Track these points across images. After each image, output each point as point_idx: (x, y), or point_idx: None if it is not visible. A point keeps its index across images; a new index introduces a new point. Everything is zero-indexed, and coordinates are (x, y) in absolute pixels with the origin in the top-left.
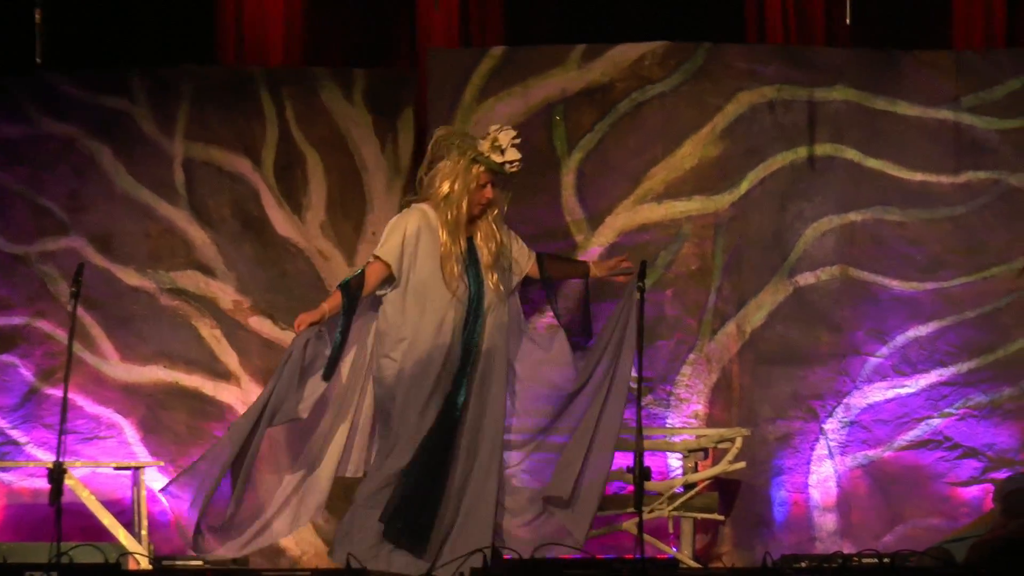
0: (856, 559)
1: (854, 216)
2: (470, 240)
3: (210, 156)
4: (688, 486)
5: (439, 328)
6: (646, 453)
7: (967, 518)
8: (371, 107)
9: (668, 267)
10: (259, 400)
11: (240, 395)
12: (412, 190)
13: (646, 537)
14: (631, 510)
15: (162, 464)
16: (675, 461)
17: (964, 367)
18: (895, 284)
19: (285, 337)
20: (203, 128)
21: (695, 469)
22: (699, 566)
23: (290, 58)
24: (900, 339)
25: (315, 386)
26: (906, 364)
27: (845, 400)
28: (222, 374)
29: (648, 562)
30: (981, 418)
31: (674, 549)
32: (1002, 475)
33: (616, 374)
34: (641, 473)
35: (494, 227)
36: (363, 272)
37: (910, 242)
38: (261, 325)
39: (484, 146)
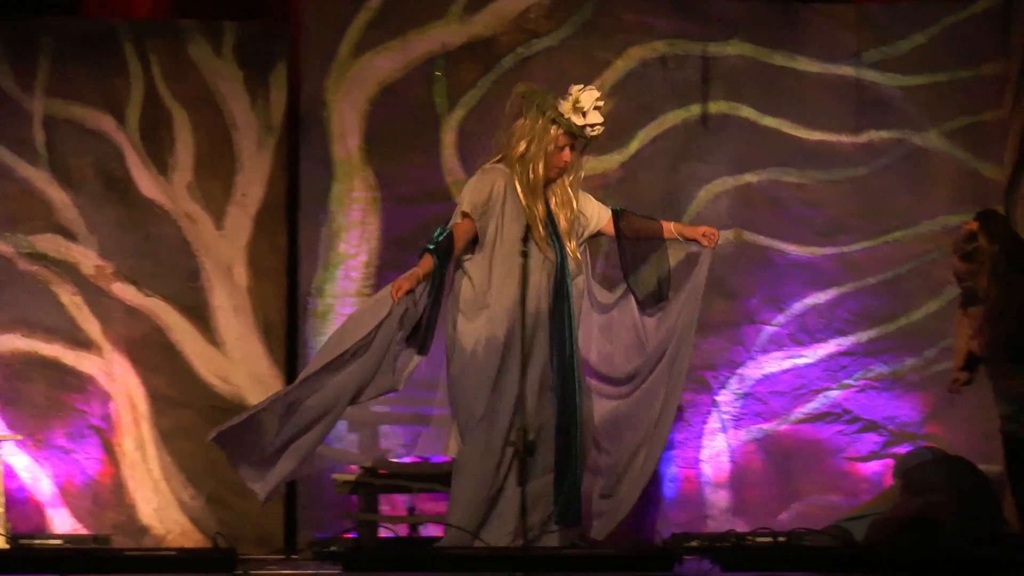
0: (750, 538)
1: (750, 177)
2: (546, 204)
3: (72, 113)
4: None
5: (529, 294)
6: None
7: (867, 495)
8: (242, 62)
9: None
10: (331, 373)
11: (102, 365)
12: (284, 149)
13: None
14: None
15: (20, 438)
16: None
17: (864, 336)
18: (792, 249)
19: (150, 304)
20: (64, 84)
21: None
22: (586, 545)
23: (157, 10)
24: (797, 307)
25: (409, 358)
26: (803, 333)
27: (739, 371)
28: (83, 343)
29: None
30: (882, 390)
31: None
32: (904, 450)
33: (675, 366)
34: (526, 448)
35: (570, 192)
36: (451, 232)
37: (809, 204)
38: (124, 291)
39: (565, 107)
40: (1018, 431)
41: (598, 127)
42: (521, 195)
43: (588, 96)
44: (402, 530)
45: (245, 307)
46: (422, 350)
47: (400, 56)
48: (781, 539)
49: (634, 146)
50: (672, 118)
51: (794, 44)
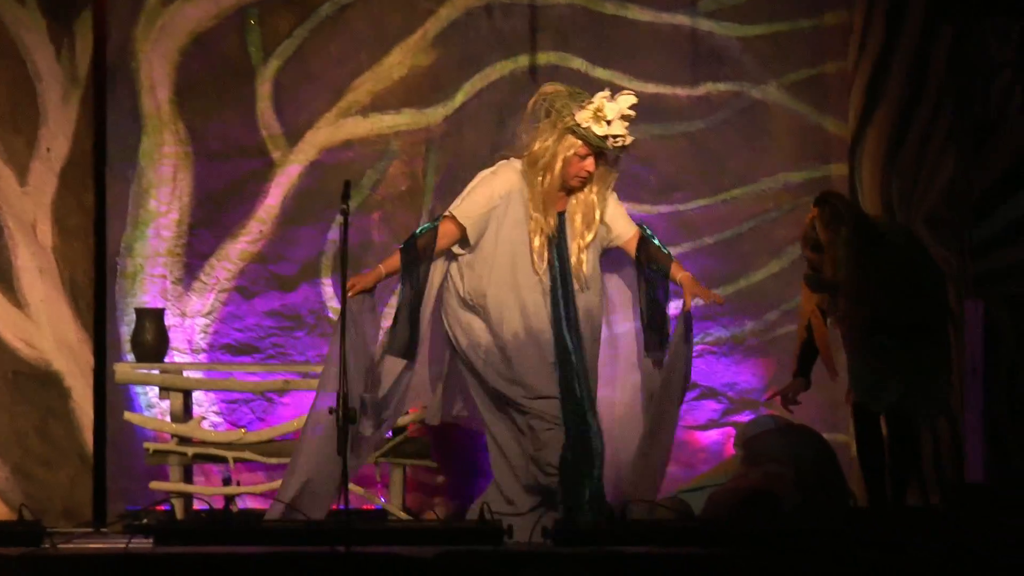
0: None
1: None
2: (561, 215)
3: None
4: (397, 430)
5: (530, 311)
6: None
7: (705, 465)
8: (45, 10)
9: (375, 188)
10: (320, 398)
11: None
12: (90, 102)
13: (351, 486)
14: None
15: None
16: None
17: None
18: (625, 207)
19: None
20: None
21: (405, 411)
22: (410, 518)
23: None
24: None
25: (393, 366)
26: None
27: None
28: None
29: (353, 514)
30: (721, 355)
31: (382, 500)
32: (744, 418)
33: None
34: (346, 415)
35: (595, 203)
36: (435, 229)
37: (642, 161)
38: None
39: (584, 115)
40: (872, 404)
41: (621, 139)
42: (530, 203)
43: (613, 107)
44: (217, 502)
45: (50, 267)
46: (407, 355)
47: (212, 4)
48: (615, 512)
49: (459, 99)
50: (499, 70)
51: None
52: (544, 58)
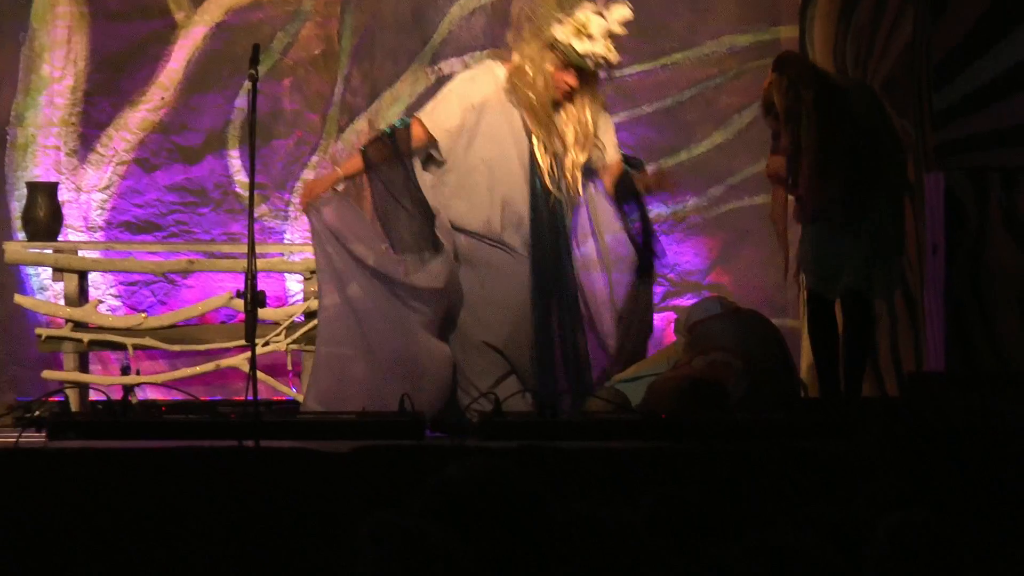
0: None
1: None
2: (548, 128)
3: None
4: (310, 314)
5: (507, 221)
6: (260, 274)
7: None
8: None
9: (285, 52)
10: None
11: None
12: None
13: (260, 375)
14: (242, 343)
15: None
16: (295, 284)
17: None
18: None
19: None
20: None
21: (318, 294)
22: (323, 410)
23: None
24: None
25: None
26: None
27: None
28: None
29: (262, 404)
30: (661, 233)
31: (293, 389)
32: (687, 302)
33: None
34: (254, 299)
35: (588, 120)
36: (407, 130)
37: None
38: None
39: (565, 32)
40: (827, 292)
41: (604, 59)
42: (529, 119)
43: (599, 22)
44: (115, 393)
45: None
46: (435, 246)
47: None
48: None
49: None
50: None
51: None
52: None
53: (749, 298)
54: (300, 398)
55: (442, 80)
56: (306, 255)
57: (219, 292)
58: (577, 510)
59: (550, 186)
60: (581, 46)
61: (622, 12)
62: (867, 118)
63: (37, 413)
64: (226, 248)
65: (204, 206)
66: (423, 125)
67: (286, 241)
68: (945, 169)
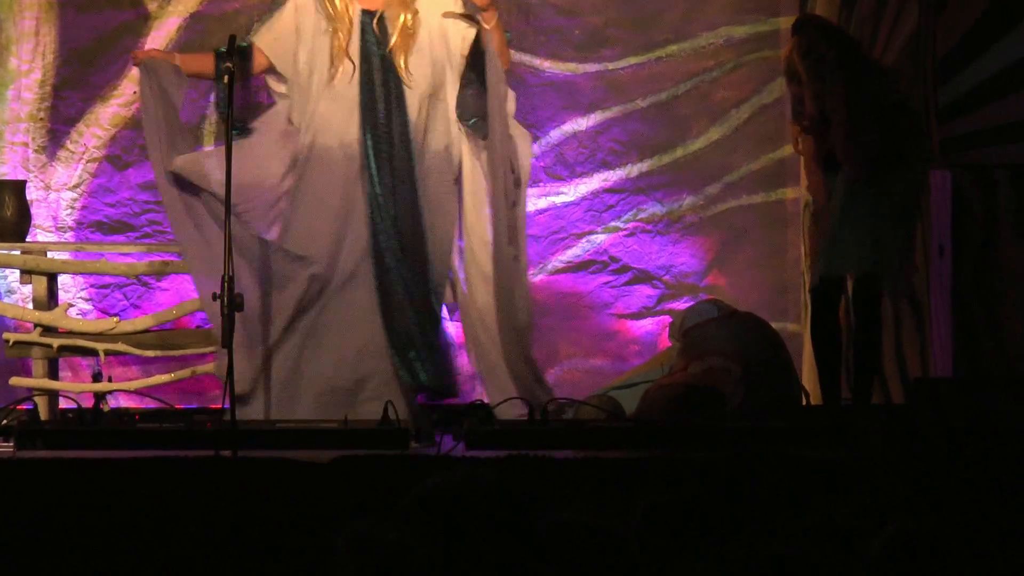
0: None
1: None
2: (374, 14)
3: None
4: None
5: (331, 128)
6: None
7: (638, 358)
8: None
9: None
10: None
11: None
12: None
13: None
14: (219, 348)
15: None
16: None
17: (635, 170)
18: (547, 66)
19: None
20: None
21: None
22: (304, 419)
23: None
24: (554, 134)
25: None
26: (562, 166)
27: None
28: None
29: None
30: (656, 234)
31: None
32: (682, 305)
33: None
34: (232, 302)
35: None
36: (248, 48)
37: (565, 13)
38: None
39: None
40: (836, 271)
41: None
42: (328, 3)
43: None
44: (86, 400)
45: None
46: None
47: None
48: (536, 411)
49: None
50: None
51: None
52: None
53: (747, 301)
54: None
55: None
56: None
57: (195, 295)
58: (564, 519)
59: (343, 76)
60: None
61: None
62: (894, 80)
63: (4, 422)
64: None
65: None
66: (259, 48)
67: None
68: (951, 166)
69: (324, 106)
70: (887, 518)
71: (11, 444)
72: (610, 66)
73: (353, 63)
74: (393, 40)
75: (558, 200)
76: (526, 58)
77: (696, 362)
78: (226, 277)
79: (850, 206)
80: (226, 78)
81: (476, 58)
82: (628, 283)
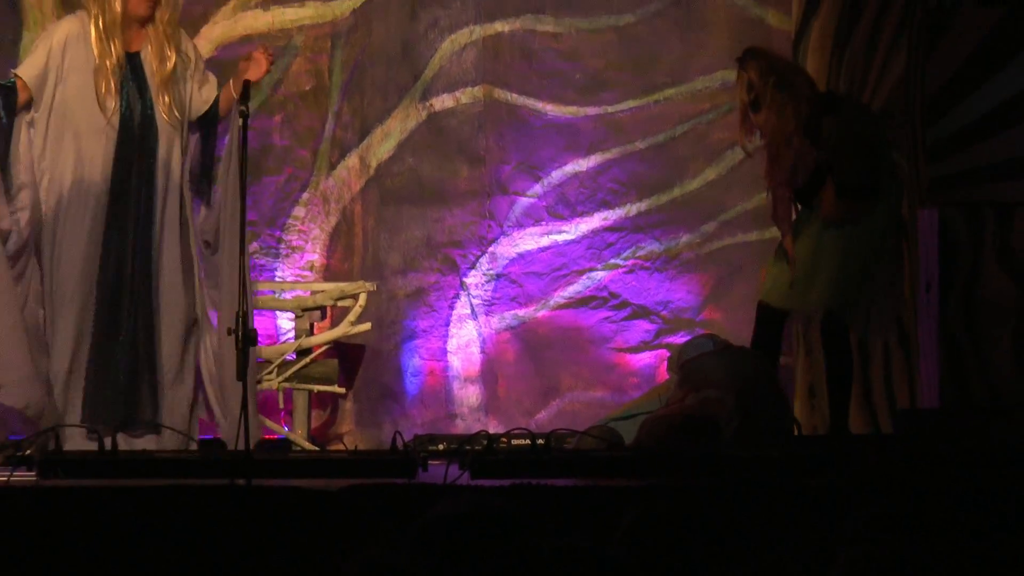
0: (504, 440)
1: (500, 26)
2: (137, 55)
3: None
4: (302, 352)
5: (85, 159)
6: (252, 313)
7: (637, 391)
8: None
9: (276, 87)
10: None
11: None
12: None
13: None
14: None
15: None
16: (286, 322)
17: (633, 209)
18: (549, 108)
19: None
20: None
21: (310, 332)
22: (315, 448)
23: None
24: (556, 175)
25: None
26: (563, 205)
27: (491, 248)
28: None
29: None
30: (654, 271)
31: (285, 428)
32: (679, 339)
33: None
34: (245, 336)
35: (168, 33)
36: (12, 85)
37: (567, 57)
38: None
39: None
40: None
41: None
42: (94, 39)
43: None
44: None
45: None
46: None
47: None
48: (540, 441)
49: None
50: None
51: None
52: None
53: (742, 335)
54: (292, 436)
55: (433, 116)
56: (297, 293)
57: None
58: (566, 545)
59: (104, 114)
60: None
61: None
62: (856, 110)
63: (28, 452)
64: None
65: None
66: (18, 75)
67: (277, 279)
68: (939, 204)
69: (84, 141)
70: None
71: (34, 473)
72: (610, 109)
73: (114, 101)
74: (154, 80)
75: (560, 238)
76: (529, 101)
77: (692, 394)
78: (240, 312)
79: (822, 244)
80: (240, 121)
81: (206, 119)
82: (627, 318)
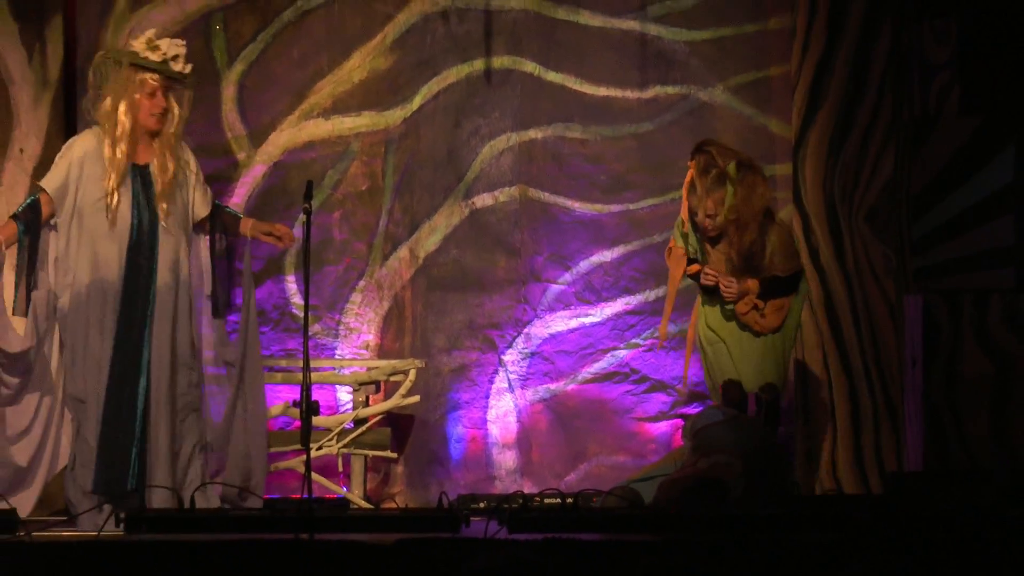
0: (537, 499)
1: (534, 133)
2: (146, 167)
3: None
4: (359, 421)
5: (99, 263)
6: (314, 386)
7: (655, 455)
8: (16, 14)
9: (336, 187)
10: None
11: None
12: (61, 104)
13: (314, 476)
14: (298, 447)
15: None
16: (345, 395)
17: (652, 295)
18: (577, 206)
19: None
20: None
21: (366, 403)
22: (370, 507)
23: None
24: (583, 265)
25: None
26: (590, 291)
27: (525, 330)
28: None
29: (316, 502)
30: (670, 349)
31: (344, 488)
32: (692, 410)
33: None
34: (308, 408)
35: (172, 144)
36: (36, 201)
37: (592, 161)
38: None
39: (138, 46)
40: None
41: (181, 60)
42: (107, 154)
43: (165, 40)
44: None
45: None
46: (16, 311)
47: (177, 10)
48: (569, 500)
49: (417, 101)
50: (455, 73)
51: None
52: (498, 62)
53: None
54: (350, 496)
55: (474, 213)
56: (355, 369)
57: (277, 402)
58: None
59: (115, 223)
60: (156, 55)
61: (179, 40)
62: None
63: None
64: (283, 362)
65: (264, 325)
66: (42, 188)
67: (337, 356)
68: (923, 291)
69: (99, 245)
70: None
71: (121, 529)
72: (631, 206)
73: (127, 209)
74: (157, 190)
75: (587, 320)
76: (559, 199)
77: (704, 458)
78: (305, 386)
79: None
80: (303, 217)
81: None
82: (647, 391)
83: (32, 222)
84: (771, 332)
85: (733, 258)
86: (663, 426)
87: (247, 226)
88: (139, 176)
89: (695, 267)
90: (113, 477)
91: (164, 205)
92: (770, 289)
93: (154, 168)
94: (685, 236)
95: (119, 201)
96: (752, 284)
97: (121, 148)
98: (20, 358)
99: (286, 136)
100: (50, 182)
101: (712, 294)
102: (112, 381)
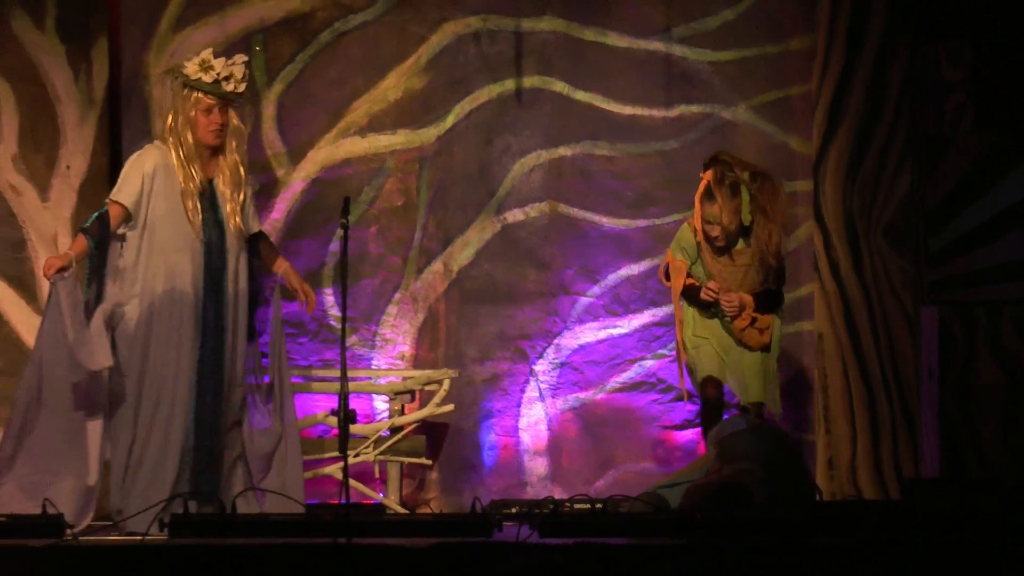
0: (567, 504)
1: (563, 151)
2: (210, 181)
3: None
4: (394, 429)
5: (176, 272)
6: (351, 395)
7: (681, 462)
8: (63, 35)
9: (372, 203)
10: (31, 363)
11: None
12: (106, 122)
13: (351, 482)
14: (336, 454)
15: None
16: (381, 404)
17: None
18: (604, 221)
19: None
20: None
21: (401, 412)
22: (406, 512)
23: None
24: (611, 278)
25: (88, 340)
26: (618, 304)
27: (556, 341)
28: None
29: (353, 507)
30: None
31: (380, 494)
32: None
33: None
34: (346, 416)
35: (236, 159)
36: (105, 213)
37: (619, 177)
38: None
39: (191, 69)
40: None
41: (233, 79)
42: (176, 167)
43: (218, 58)
44: None
45: None
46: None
47: (219, 31)
48: (598, 506)
49: (450, 120)
50: (486, 92)
51: (605, 19)
52: (528, 81)
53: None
54: (386, 502)
55: (506, 228)
56: (391, 379)
57: (316, 411)
58: None
59: (193, 230)
60: (209, 76)
61: (238, 57)
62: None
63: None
64: (321, 372)
65: (303, 336)
66: (116, 202)
67: (373, 367)
68: (938, 304)
69: (173, 256)
70: None
71: (165, 533)
72: (657, 221)
73: (198, 219)
74: (227, 205)
75: (615, 332)
76: (588, 215)
77: (728, 465)
78: (343, 395)
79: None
80: (341, 231)
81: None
82: (673, 400)
83: (103, 236)
84: (761, 349)
85: (755, 257)
86: (688, 434)
87: (282, 267)
88: (205, 190)
89: (691, 280)
90: (209, 479)
91: (235, 220)
92: (764, 303)
93: (218, 183)
94: (684, 250)
95: (193, 213)
96: (748, 299)
97: (195, 165)
98: (98, 375)
99: (324, 153)
100: (127, 196)
101: (708, 308)
102: (200, 388)
